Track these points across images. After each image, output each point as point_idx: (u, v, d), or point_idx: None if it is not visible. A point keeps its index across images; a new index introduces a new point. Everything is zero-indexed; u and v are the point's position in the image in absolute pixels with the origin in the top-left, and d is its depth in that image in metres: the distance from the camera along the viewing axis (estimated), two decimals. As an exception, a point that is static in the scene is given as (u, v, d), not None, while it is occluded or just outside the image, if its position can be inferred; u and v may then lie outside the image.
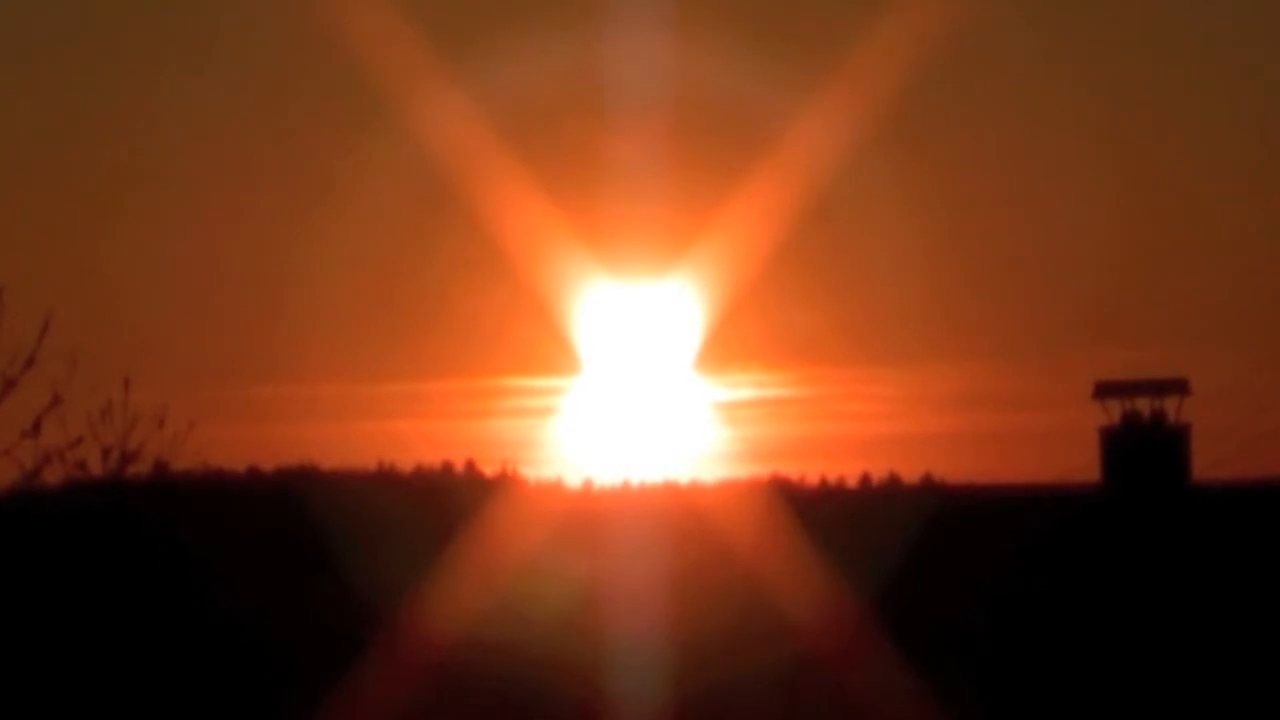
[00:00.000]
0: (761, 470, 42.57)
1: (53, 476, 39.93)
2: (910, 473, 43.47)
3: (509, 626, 32.66)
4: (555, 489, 40.44)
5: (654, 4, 56.31)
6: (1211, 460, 48.17)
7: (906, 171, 73.35)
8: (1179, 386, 46.47)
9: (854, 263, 57.22)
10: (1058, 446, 50.96)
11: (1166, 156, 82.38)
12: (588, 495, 40.59)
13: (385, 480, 40.25)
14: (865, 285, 60.58)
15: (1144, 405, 46.83)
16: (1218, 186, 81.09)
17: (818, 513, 36.16)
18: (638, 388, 50.56)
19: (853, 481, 41.87)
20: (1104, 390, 46.68)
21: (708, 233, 49.46)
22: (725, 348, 52.36)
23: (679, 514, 38.29)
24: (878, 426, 61.72)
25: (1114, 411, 46.73)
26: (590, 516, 39.00)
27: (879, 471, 43.15)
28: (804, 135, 51.90)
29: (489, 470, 40.96)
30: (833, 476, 42.87)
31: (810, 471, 43.57)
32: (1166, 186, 79.84)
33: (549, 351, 52.53)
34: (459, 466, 41.40)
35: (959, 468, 45.49)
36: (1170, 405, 46.63)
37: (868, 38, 61.04)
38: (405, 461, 42.71)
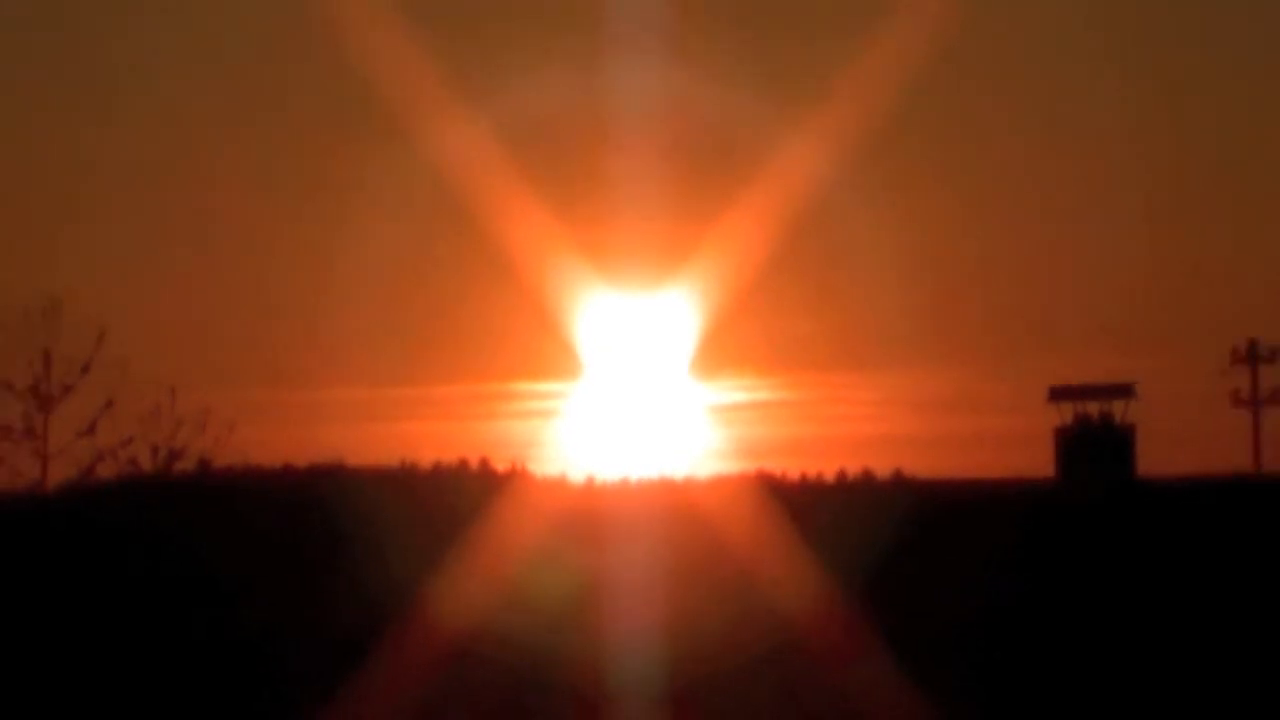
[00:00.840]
0: (749, 466, 41.69)
1: (107, 472, 41.05)
2: (883, 468, 41.55)
3: (521, 605, 32.51)
4: (560, 484, 39.39)
5: (652, 33, 55.50)
6: (1155, 456, 47.75)
7: (886, 190, 71.84)
8: (1126, 391, 46.72)
9: (836, 276, 60.72)
10: (1017, 445, 50.71)
11: (1123, 179, 77.55)
12: (590, 490, 39.41)
13: (407, 475, 39.20)
14: (847, 297, 64.58)
15: (1093, 408, 47.12)
16: (1159, 207, 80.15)
17: (798, 504, 35.84)
18: (636, 391, 50.51)
19: (830, 476, 40.35)
20: (1057, 394, 47.03)
21: (702, 246, 49.15)
22: (718, 354, 52.76)
23: (674, 506, 37.52)
24: (855, 427, 62.68)
25: (1066, 413, 46.99)
26: (592, 509, 38.03)
27: (854, 467, 41.34)
28: (790, 158, 51.21)
29: (500, 467, 39.99)
30: (812, 472, 41.36)
31: (792, 468, 42.10)
32: (1115, 206, 77.17)
33: (553, 357, 52.94)
34: (473, 463, 40.26)
35: (927, 464, 43.71)
36: (1117, 408, 46.88)
37: (848, 65, 60.65)
38: (424, 459, 41.08)
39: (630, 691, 31.64)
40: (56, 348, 43.67)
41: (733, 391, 56.87)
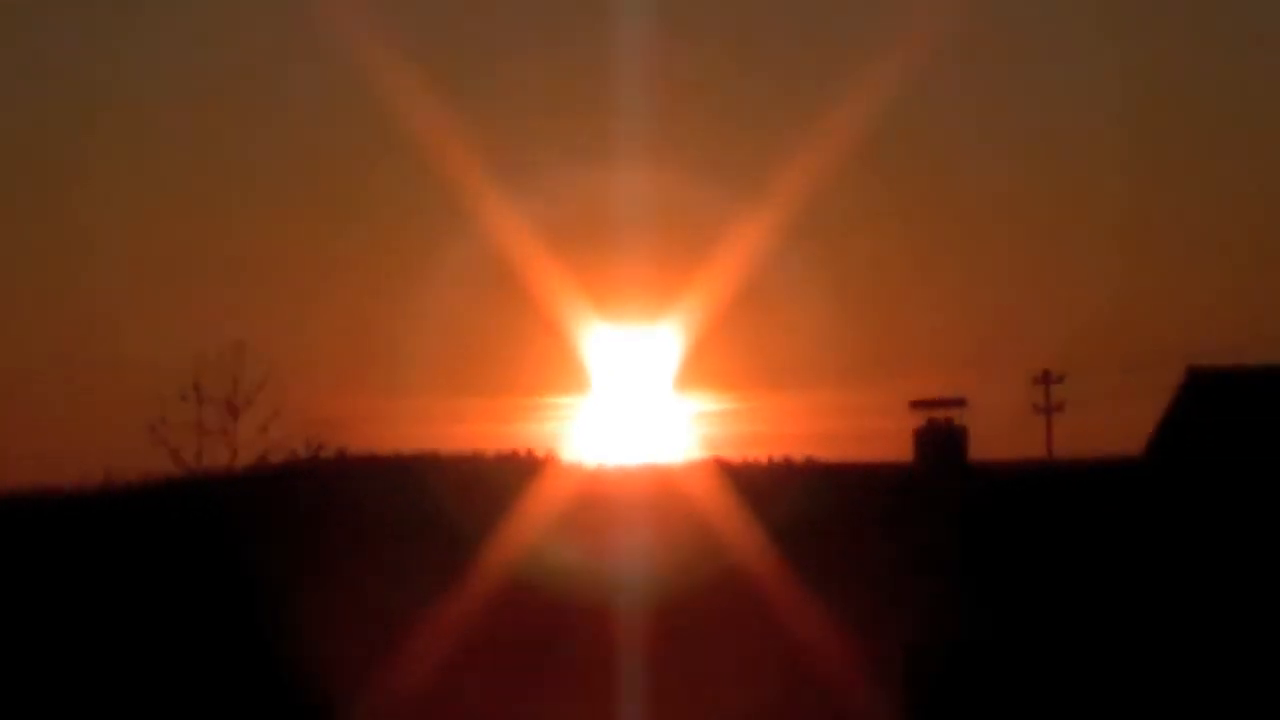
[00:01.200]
0: (709, 454, 46.32)
1: (275, 459, 43.60)
2: (798, 455, 46.86)
3: (560, 539, 36.25)
4: (578, 468, 43.49)
5: (646, 91, 55.46)
6: (980, 448, 51.04)
7: (817, 255, 70.10)
8: (960, 403, 50.76)
9: (776, 318, 58.19)
10: (889, 440, 53.59)
11: (966, 241, 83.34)
12: (599, 472, 43.59)
13: (479, 460, 43.63)
14: (783, 334, 61.28)
15: (939, 414, 50.79)
16: (988, 265, 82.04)
17: (741, 479, 40.31)
18: (632, 401, 51.54)
19: (763, 461, 45.43)
20: (915, 405, 51.18)
21: (680, 292, 49.27)
22: (693, 373, 52.79)
23: (656, 482, 41.59)
24: (783, 427, 63.66)
25: (921, 418, 50.91)
26: (602, 485, 41.90)
27: (779, 455, 46.57)
28: (741, 228, 51.08)
29: (539, 455, 44.11)
30: (751, 458, 46.11)
31: (738, 455, 46.79)
32: (954, 267, 79.44)
33: (569, 375, 52.81)
34: (522, 453, 44.58)
35: (830, 453, 48.32)
36: (955, 414, 50.78)
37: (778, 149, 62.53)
38: (488, 450, 45.22)
39: (628, 593, 34.80)
40: (242, 374, 46.51)
41: (702, 401, 58.46)
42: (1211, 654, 31.53)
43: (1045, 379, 62.65)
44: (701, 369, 54.11)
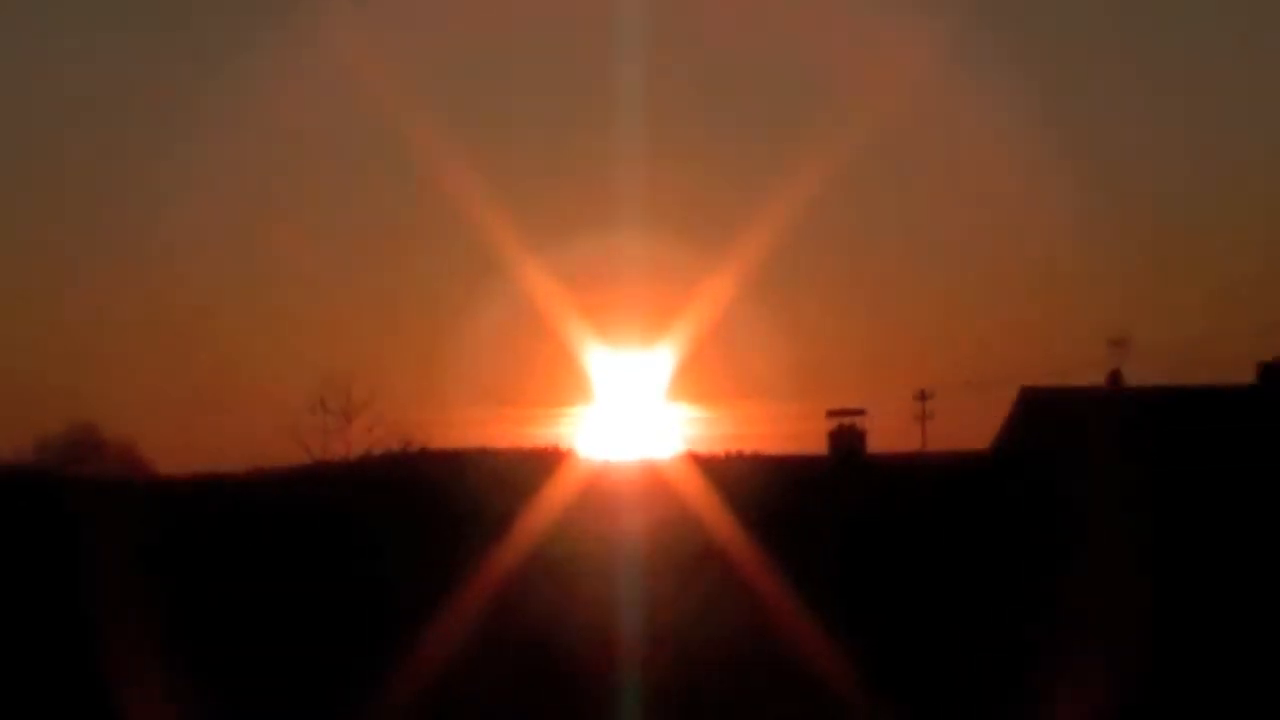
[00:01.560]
0: (685, 449, 48.97)
1: (377, 452, 46.27)
2: (748, 449, 50.75)
3: (581, 508, 37.26)
4: (590, 460, 45.74)
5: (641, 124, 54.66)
6: (876, 444, 54.30)
7: (771, 296, 72.08)
8: (861, 412, 54.02)
9: (746, 344, 57.42)
10: (812, 439, 55.26)
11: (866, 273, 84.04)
12: (606, 463, 45.80)
13: (520, 452, 46.21)
14: (749, 357, 60.70)
15: (846, 420, 53.91)
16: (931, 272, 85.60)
17: (706, 467, 42.28)
18: (631, 409, 52.06)
19: (721, 454, 48.41)
20: (830, 413, 54.24)
21: (670, 323, 50.12)
22: (686, 386, 55.05)
23: (647, 471, 43.45)
24: (739, 429, 70.07)
25: (834, 423, 54.20)
26: (607, 471, 44.05)
27: (734, 448, 50.58)
28: (716, 271, 51.53)
29: (562, 450, 46.99)
30: (716, 451, 49.43)
31: (705, 449, 49.79)
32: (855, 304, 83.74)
33: (576, 389, 54.28)
34: (550, 448, 47.65)
35: (772, 447, 52.44)
36: (858, 420, 54.07)
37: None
38: (526, 445, 48.94)
39: (626, 549, 32.64)
40: (352, 391, 49.13)
41: (685, 409, 60.18)
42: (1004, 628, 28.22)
43: (921, 395, 64.97)
44: (685, 384, 54.98)
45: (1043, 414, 47.12)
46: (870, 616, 23.64)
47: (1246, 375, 47.63)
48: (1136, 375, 49.88)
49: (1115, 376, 49.64)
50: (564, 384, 56.17)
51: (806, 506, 35.47)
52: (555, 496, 37.90)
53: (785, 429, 70.26)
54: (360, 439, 48.70)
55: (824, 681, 19.32)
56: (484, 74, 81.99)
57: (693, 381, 55.93)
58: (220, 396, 69.91)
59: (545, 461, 43.63)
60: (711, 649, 21.48)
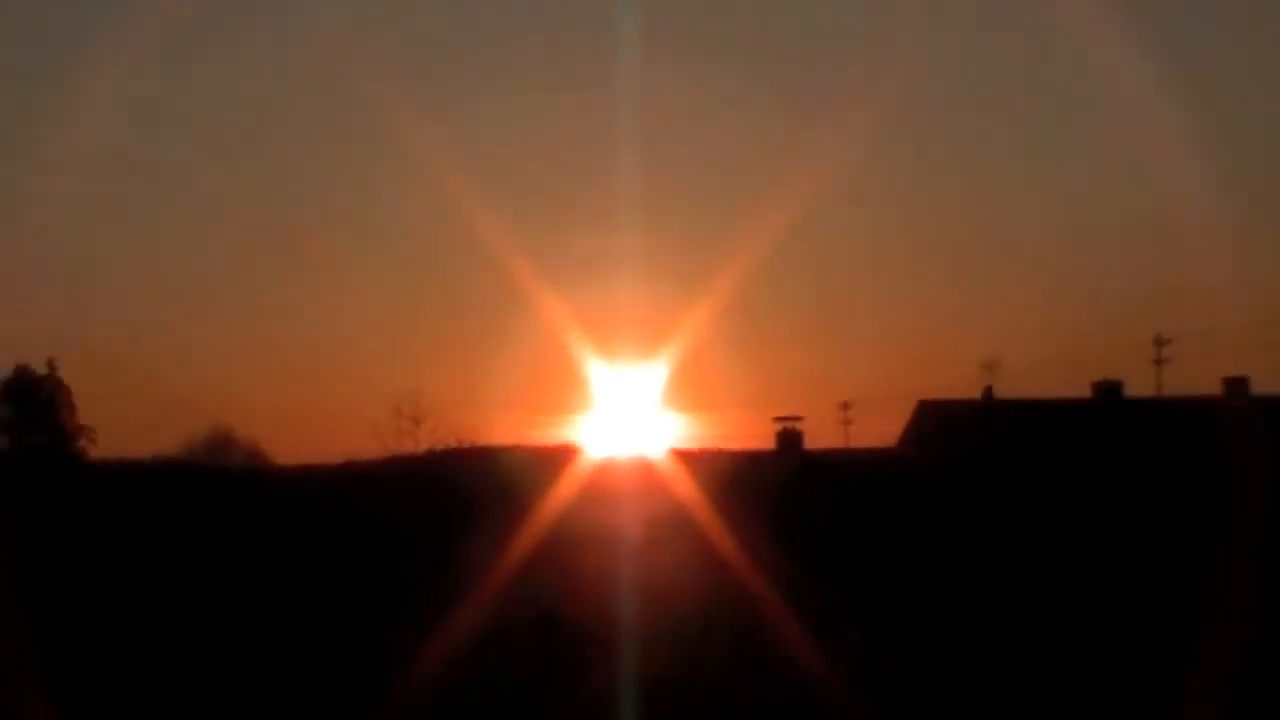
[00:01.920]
0: (669, 446, 48.87)
1: (439, 447, 45.48)
2: (713, 445, 50.51)
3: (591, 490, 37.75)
4: (597, 456, 44.97)
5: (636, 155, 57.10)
6: (812, 443, 54.07)
7: (740, 331, 73.75)
8: (799, 419, 53.99)
9: (720, 364, 59.78)
10: (765, 440, 55.02)
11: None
12: (609, 458, 45.13)
13: (543, 449, 45.63)
14: (725, 374, 62.99)
15: (789, 425, 53.98)
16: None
17: (687, 460, 42.81)
18: (628, 415, 51.92)
19: (696, 450, 47.88)
20: (777, 419, 54.12)
21: (661, 340, 50.89)
22: (679, 394, 55.61)
23: (639, 464, 43.46)
24: (709, 430, 65.47)
25: (780, 427, 54.16)
26: (610, 464, 43.99)
27: (709, 447, 49.78)
28: (697, 301, 52.00)
29: (575, 447, 46.48)
30: (694, 449, 48.73)
31: (685, 446, 49.75)
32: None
33: (578, 398, 54.04)
34: (567, 445, 46.98)
35: (733, 445, 52.13)
36: (798, 425, 53.93)
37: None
38: (548, 443, 48.50)
39: (624, 523, 34.55)
40: (420, 400, 48.79)
41: (672, 414, 59.76)
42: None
43: (844, 406, 68.88)
44: (673, 394, 55.34)
45: (932, 421, 48.65)
46: (800, 560, 25.56)
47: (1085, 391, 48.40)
48: (1006, 390, 50.80)
49: (988, 392, 51.09)
50: (575, 393, 55.53)
51: (760, 489, 36.11)
52: (570, 484, 38.19)
53: (745, 430, 71.41)
54: (426, 437, 49.56)
55: (763, 604, 22.08)
56: (512, 128, 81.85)
57: (678, 393, 56.40)
58: (322, 402, 72.97)
59: (562, 457, 44.32)
60: (685, 594, 23.78)
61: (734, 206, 79.86)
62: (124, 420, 71.70)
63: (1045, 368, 75.87)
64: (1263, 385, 44.50)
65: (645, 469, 41.99)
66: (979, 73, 79.42)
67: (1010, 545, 27.95)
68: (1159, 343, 53.29)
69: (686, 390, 57.08)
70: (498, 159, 76.92)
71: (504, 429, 57.00)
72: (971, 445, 42.54)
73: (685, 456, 43.88)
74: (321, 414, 72.75)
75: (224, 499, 36.89)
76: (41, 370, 43.43)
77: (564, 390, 60.59)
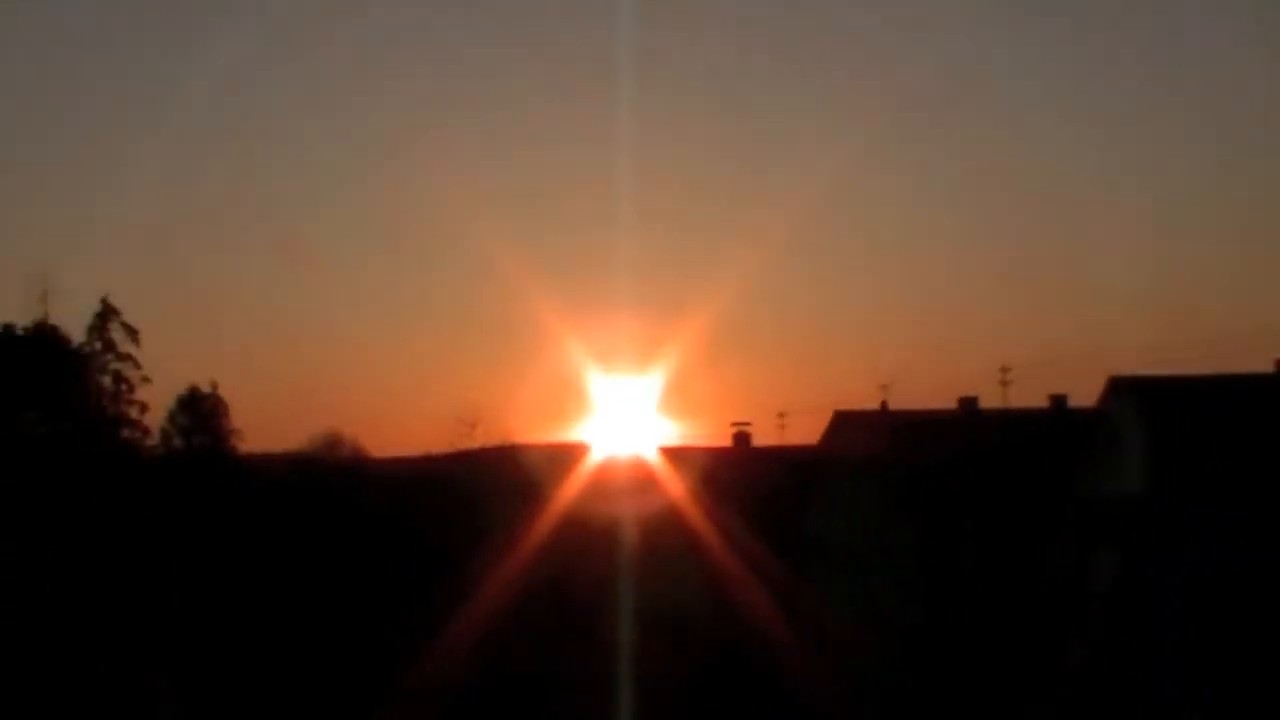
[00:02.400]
0: (658, 443, 51.37)
1: (488, 446, 47.95)
2: (687, 442, 54.16)
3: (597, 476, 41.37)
4: (602, 452, 47.76)
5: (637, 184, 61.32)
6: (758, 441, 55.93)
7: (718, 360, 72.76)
8: (748, 423, 57.36)
9: (699, 381, 63.29)
10: (725, 438, 58.52)
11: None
12: (611, 455, 47.64)
13: (560, 446, 49.02)
14: (704, 388, 66.94)
15: (740, 429, 57.13)
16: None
17: (669, 454, 46.38)
18: (626, 422, 53.53)
19: (672, 443, 50.92)
20: (732, 424, 57.75)
21: (655, 359, 52.85)
22: (674, 401, 57.53)
23: (634, 459, 46.38)
24: (696, 431, 63.39)
25: (734, 430, 57.34)
26: (612, 459, 46.62)
27: (685, 445, 53.35)
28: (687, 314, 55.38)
29: (584, 445, 49.17)
30: (676, 447, 51.93)
31: (669, 442, 52.67)
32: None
33: (580, 404, 55.91)
34: (581, 443, 50.01)
35: (705, 441, 56.45)
36: (747, 428, 57.08)
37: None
38: (564, 440, 52.58)
39: (624, 504, 38.60)
40: (477, 409, 50.64)
41: (663, 419, 61.07)
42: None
43: (781, 414, 67.76)
44: (678, 399, 58.22)
45: (846, 428, 53.95)
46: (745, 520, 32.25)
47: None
48: (905, 403, 55.41)
49: (884, 405, 56.37)
50: (580, 399, 56.95)
51: (718, 477, 41.23)
52: (584, 473, 42.19)
53: (713, 430, 70.34)
54: (480, 436, 52.32)
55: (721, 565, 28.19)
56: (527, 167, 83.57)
57: (665, 400, 57.43)
58: (402, 405, 79.58)
59: (578, 453, 47.25)
60: (671, 563, 28.63)
61: (712, 249, 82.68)
62: (264, 420, 78.84)
63: (937, 384, 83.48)
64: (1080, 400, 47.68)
65: (636, 462, 46.42)
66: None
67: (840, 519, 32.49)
68: (1005, 369, 57.00)
69: (670, 399, 59.04)
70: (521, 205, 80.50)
71: (533, 429, 60.27)
72: (872, 446, 47.41)
73: (669, 452, 48.14)
74: (391, 414, 79.39)
75: (344, 483, 43.42)
76: (206, 389, 50.55)
77: (573, 397, 62.54)
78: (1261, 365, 43.11)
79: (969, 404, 52.23)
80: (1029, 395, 54.82)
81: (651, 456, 46.72)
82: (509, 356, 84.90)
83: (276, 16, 70.39)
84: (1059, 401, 50.01)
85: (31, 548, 37.63)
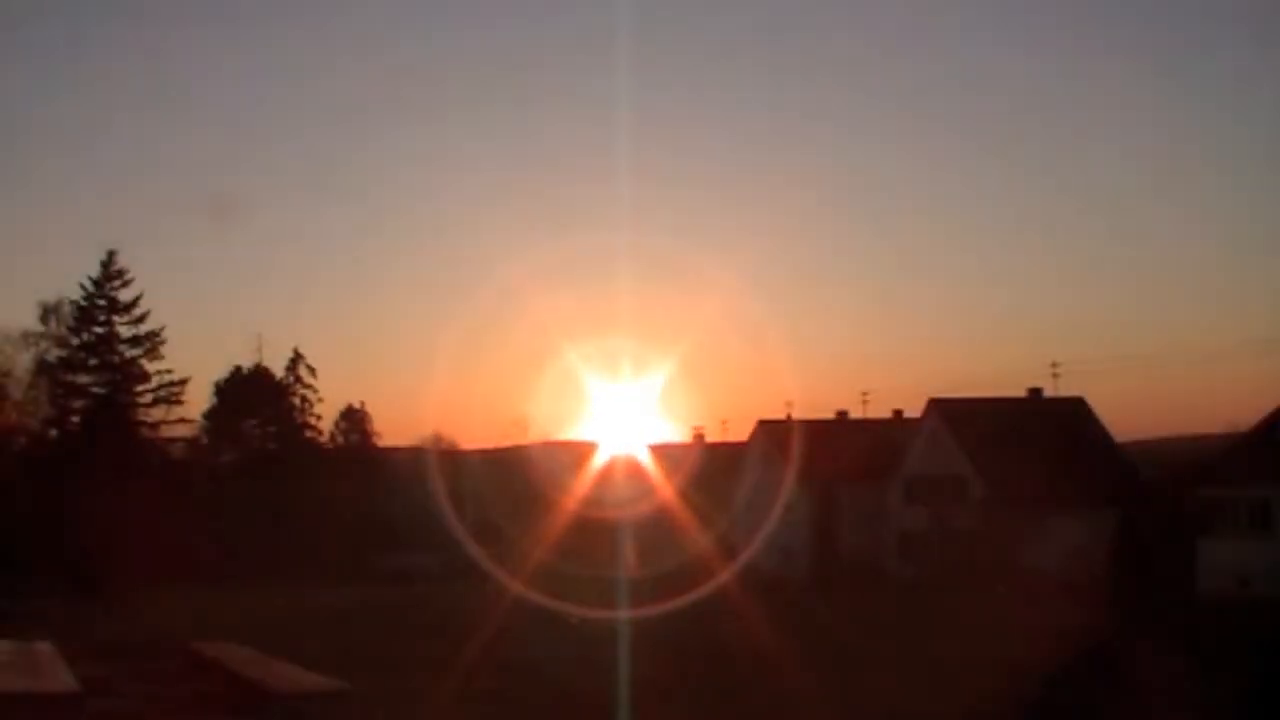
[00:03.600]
0: (652, 441, 56.43)
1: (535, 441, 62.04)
2: (671, 442, 59.92)
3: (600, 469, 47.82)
4: (604, 449, 53.50)
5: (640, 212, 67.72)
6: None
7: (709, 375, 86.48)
8: (702, 427, 61.86)
9: (683, 392, 69.48)
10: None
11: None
12: (613, 452, 52.93)
13: (579, 444, 55.74)
14: (690, 398, 72.38)
15: (697, 430, 61.60)
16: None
17: (658, 451, 52.14)
18: (626, 424, 56.28)
19: (661, 442, 55.82)
20: (692, 429, 62.82)
21: (658, 351, 57.75)
22: (670, 404, 63.58)
23: (632, 455, 51.88)
24: (680, 432, 67.81)
25: (694, 431, 62.50)
26: (614, 455, 52.52)
27: (671, 443, 59.07)
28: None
29: (591, 441, 55.91)
30: (665, 444, 57.38)
31: (661, 440, 58.61)
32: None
33: (582, 407, 60.51)
34: (589, 439, 57.28)
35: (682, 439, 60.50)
36: (703, 430, 61.71)
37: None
38: (574, 437, 60.14)
39: (624, 492, 44.07)
40: (524, 414, 62.60)
41: (664, 421, 69.50)
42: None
43: (724, 422, 77.84)
44: (673, 403, 64.74)
45: (762, 432, 56.71)
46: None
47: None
48: (805, 413, 56.82)
49: (789, 415, 57.79)
50: (587, 402, 59.23)
51: (704, 476, 48.43)
52: (597, 464, 49.51)
53: (681, 431, 71.62)
54: (530, 434, 64.38)
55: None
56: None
57: (667, 405, 63.78)
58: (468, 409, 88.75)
59: (587, 449, 54.41)
60: (660, 542, 32.53)
61: (700, 262, 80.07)
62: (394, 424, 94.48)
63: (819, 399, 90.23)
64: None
65: (633, 458, 52.55)
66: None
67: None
68: (865, 392, 67.76)
69: (657, 402, 60.04)
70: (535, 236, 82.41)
71: (553, 428, 67.42)
72: (782, 446, 49.31)
73: (659, 450, 54.99)
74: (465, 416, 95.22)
75: (448, 467, 52.44)
76: (357, 405, 62.96)
77: (579, 403, 66.75)
78: (1018, 391, 53.92)
79: (843, 415, 60.56)
80: (882, 409, 63.85)
81: (647, 453, 54.04)
82: (533, 370, 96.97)
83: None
84: (899, 414, 59.57)
85: (253, 506, 53.41)
